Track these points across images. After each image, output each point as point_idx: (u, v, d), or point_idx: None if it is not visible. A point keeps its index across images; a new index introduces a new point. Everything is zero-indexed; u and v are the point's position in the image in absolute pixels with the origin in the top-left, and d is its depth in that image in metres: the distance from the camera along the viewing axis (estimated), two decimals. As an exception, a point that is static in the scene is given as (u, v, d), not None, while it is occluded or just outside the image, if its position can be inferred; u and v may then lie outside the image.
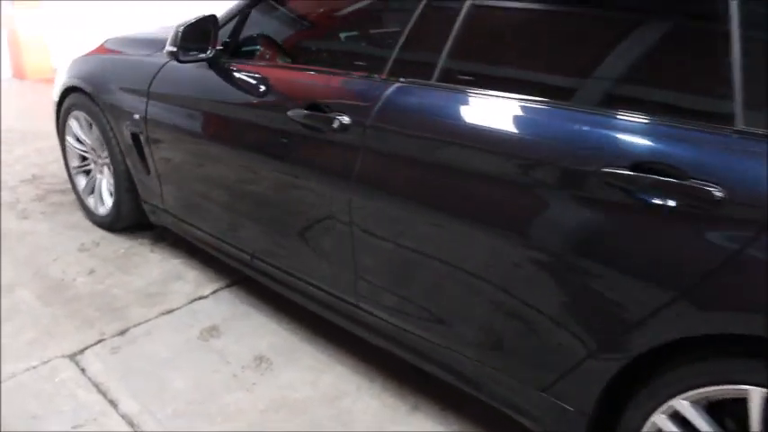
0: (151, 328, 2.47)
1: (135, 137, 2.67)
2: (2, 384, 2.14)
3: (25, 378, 2.18)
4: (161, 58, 2.53)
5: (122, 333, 2.43)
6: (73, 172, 3.28)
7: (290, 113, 1.98)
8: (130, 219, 3.07)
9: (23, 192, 3.75)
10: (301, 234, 2.15)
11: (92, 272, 2.87)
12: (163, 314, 2.56)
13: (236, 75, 2.29)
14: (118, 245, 3.11)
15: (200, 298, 2.68)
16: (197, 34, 2.26)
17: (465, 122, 1.65)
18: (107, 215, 3.14)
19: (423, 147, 1.69)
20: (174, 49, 2.26)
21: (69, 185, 3.80)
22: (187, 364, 2.28)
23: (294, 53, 2.40)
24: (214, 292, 2.73)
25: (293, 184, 2.10)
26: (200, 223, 2.62)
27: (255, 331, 2.47)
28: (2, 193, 3.71)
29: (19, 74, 6.31)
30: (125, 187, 2.93)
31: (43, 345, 2.35)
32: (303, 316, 2.47)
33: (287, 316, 2.54)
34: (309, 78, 2.12)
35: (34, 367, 2.23)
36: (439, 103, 1.71)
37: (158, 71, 2.54)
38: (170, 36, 2.28)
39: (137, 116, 2.60)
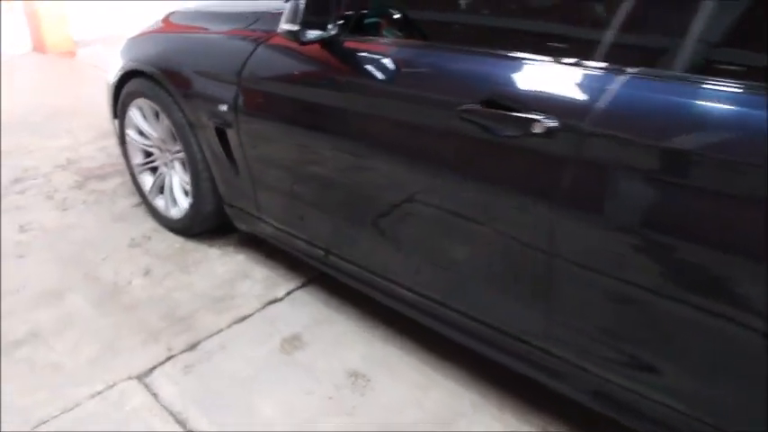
0: (225, 341, 2.16)
1: (220, 131, 2.29)
2: (67, 413, 1.85)
3: (91, 406, 1.88)
4: (250, 35, 2.15)
5: (193, 347, 2.13)
6: (136, 170, 2.90)
7: (460, 109, 1.52)
8: (210, 222, 2.69)
9: (60, 179, 3.43)
10: (471, 260, 1.72)
11: (148, 272, 2.56)
12: (236, 322, 2.25)
13: (367, 56, 1.78)
14: (172, 239, 2.80)
15: (275, 301, 2.37)
16: (318, 6, 1.81)
17: (748, 133, 1.17)
18: (182, 218, 2.72)
19: (675, 163, 1.26)
20: (296, 28, 1.79)
21: (108, 170, 3.50)
22: (273, 383, 1.97)
23: (437, 29, 1.87)
24: (289, 293, 2.41)
25: (467, 202, 1.62)
26: (314, 238, 2.21)
27: (343, 340, 2.15)
28: (37, 181, 3.40)
29: (39, 47, 5.95)
30: (205, 187, 2.53)
31: (107, 364, 2.05)
32: (394, 320, 2.15)
33: (376, 320, 2.22)
34: (484, 64, 1.58)
35: (100, 392, 1.94)
36: (699, 102, 1.25)
37: (252, 53, 2.11)
38: (287, 9, 1.82)
39: (223, 107, 2.20)
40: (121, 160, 3.57)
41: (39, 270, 2.58)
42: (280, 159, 2.15)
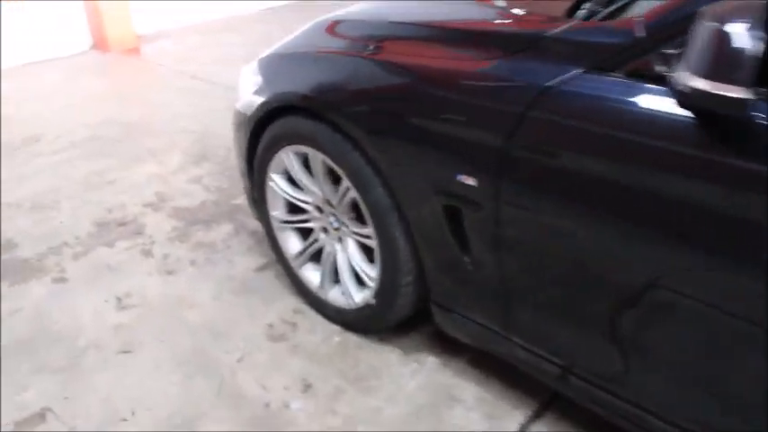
0: None
1: (452, 212, 1.54)
2: None
3: None
4: (526, 71, 1.35)
5: None
6: (276, 224, 2.15)
7: None
8: (393, 321, 1.92)
9: (154, 225, 2.71)
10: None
11: (308, 387, 1.82)
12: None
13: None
14: (325, 327, 2.06)
15: (511, 448, 1.62)
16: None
17: None
18: (353, 311, 1.97)
19: None
20: (745, 95, 0.99)
21: (212, 211, 2.77)
22: None
23: None
24: (523, 428, 1.66)
25: None
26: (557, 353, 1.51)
27: None
28: (127, 228, 2.69)
29: (101, 45, 5.26)
30: (403, 282, 1.78)
31: None
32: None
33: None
34: None
35: None
36: None
37: (534, 102, 1.30)
38: (694, 51, 1.04)
39: (468, 180, 1.44)
40: (225, 199, 2.88)
41: (155, 382, 1.86)
42: (573, 267, 1.38)
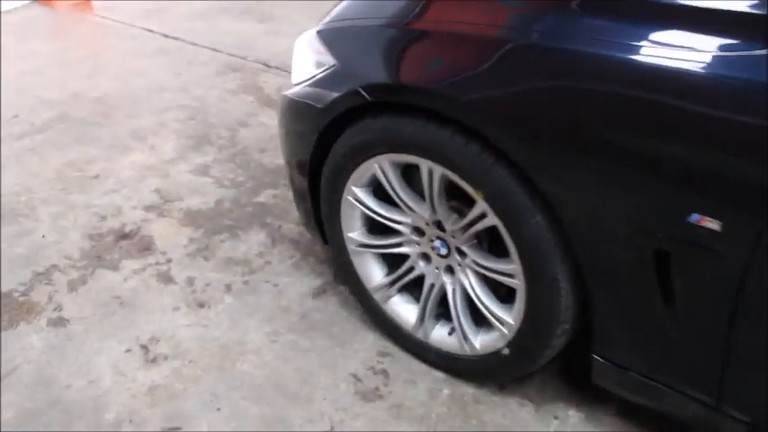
0: None
1: (661, 257, 1.11)
2: None
3: None
4: None
5: None
6: (352, 247, 1.65)
7: None
8: (532, 370, 1.52)
9: (165, 236, 2.17)
10: None
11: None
12: None
13: None
14: (423, 375, 1.62)
15: None
16: None
17: None
18: (474, 356, 1.54)
19: None
20: None
21: (236, 213, 2.25)
22: None
23: None
24: None
25: None
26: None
27: None
28: (132, 242, 2.14)
29: (43, -3, 4.47)
30: (560, 330, 1.35)
31: None
32: None
33: None
34: None
35: None
36: None
37: None
38: None
39: (709, 224, 1.00)
40: (246, 196, 2.36)
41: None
42: None
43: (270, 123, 2.85)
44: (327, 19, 1.58)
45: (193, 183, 2.48)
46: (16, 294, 1.94)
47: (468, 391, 1.59)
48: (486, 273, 1.43)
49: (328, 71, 1.49)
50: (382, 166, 1.45)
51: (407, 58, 1.35)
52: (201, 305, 1.88)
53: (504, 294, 1.46)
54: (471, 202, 1.36)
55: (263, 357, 1.70)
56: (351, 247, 1.65)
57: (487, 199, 1.29)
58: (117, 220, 2.27)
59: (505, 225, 1.29)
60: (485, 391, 1.59)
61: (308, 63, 1.59)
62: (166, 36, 3.83)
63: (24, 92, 3.19)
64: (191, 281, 1.98)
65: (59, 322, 1.84)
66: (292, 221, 2.21)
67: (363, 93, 1.37)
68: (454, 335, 1.58)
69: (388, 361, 1.68)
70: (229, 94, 3.12)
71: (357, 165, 1.49)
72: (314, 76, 1.54)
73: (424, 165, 1.37)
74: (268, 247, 2.11)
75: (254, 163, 2.58)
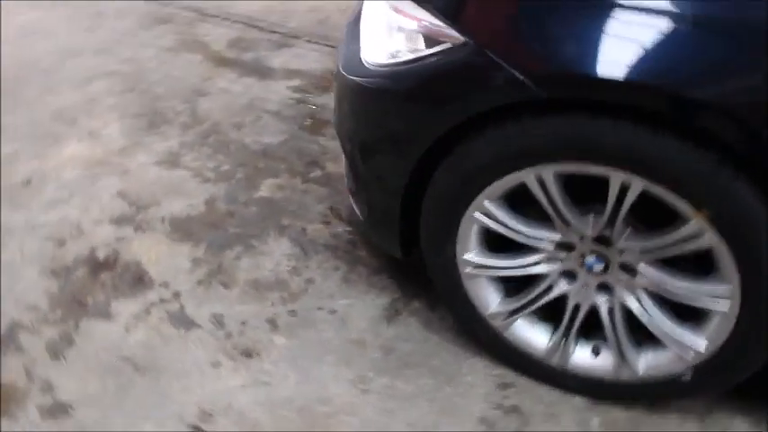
0: None
1: None
2: None
3: None
4: None
5: None
6: (467, 270, 1.28)
7: None
8: (706, 393, 1.27)
9: (157, 261, 1.65)
10: None
11: None
12: None
13: None
14: (559, 406, 1.33)
15: None
16: None
17: None
18: (631, 380, 1.26)
19: None
20: None
21: (229, 215, 1.76)
22: None
23: None
24: None
25: None
26: None
27: None
28: (111, 275, 1.62)
29: None
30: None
31: None
32: None
33: None
34: None
35: None
36: None
37: None
38: None
39: None
40: (242, 190, 1.87)
41: None
42: None
43: (234, 89, 2.32)
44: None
45: (165, 179, 1.94)
46: (-22, 374, 1.41)
47: (619, 415, 1.33)
48: (673, 294, 1.14)
49: (453, 52, 1.06)
50: (542, 178, 1.08)
51: (625, 42, 0.95)
52: (248, 354, 1.45)
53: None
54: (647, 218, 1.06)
55: (361, 415, 1.33)
56: (466, 269, 1.29)
57: (713, 218, 0.98)
58: (81, 244, 1.73)
59: (731, 247, 1.00)
60: (636, 411, 1.34)
61: (400, 35, 1.15)
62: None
63: None
64: (218, 320, 1.53)
65: (58, 410, 1.34)
66: (317, 220, 1.79)
67: (535, 86, 0.98)
68: (600, 358, 1.30)
69: (514, 394, 1.37)
70: (169, 54, 2.51)
71: (500, 176, 1.11)
72: (421, 58, 1.12)
73: (617, 177, 1.03)
74: (300, 259, 1.68)
75: (235, 144, 2.07)
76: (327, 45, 2.54)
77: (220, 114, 2.20)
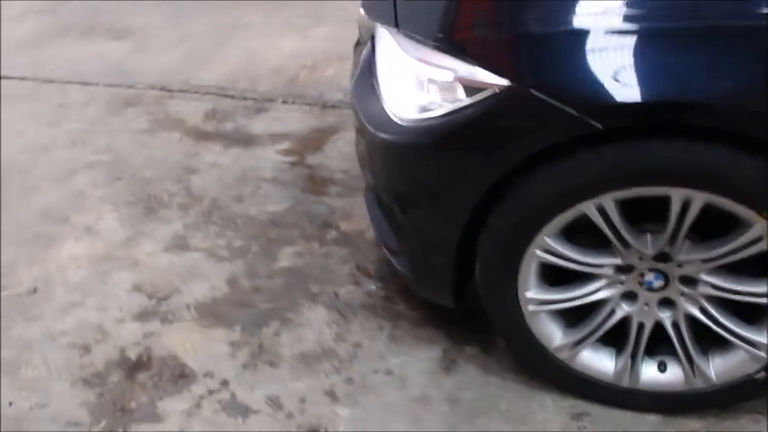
0: None
1: None
2: None
3: None
4: None
5: None
6: (531, 307, 1.30)
7: None
8: None
9: (189, 350, 1.60)
10: None
11: None
12: None
13: None
14: (643, 424, 1.36)
15: None
16: None
17: None
18: (704, 388, 1.30)
19: None
20: None
21: (254, 293, 1.72)
22: None
23: None
24: None
25: None
26: None
27: None
28: (150, 375, 1.56)
29: None
30: None
31: None
32: None
33: None
34: None
35: None
36: None
37: None
38: None
39: None
40: (261, 266, 1.82)
41: None
42: None
43: (223, 162, 2.29)
44: (452, 24, 1.17)
45: (178, 264, 1.89)
46: None
47: (694, 425, 1.37)
48: (734, 296, 1.20)
49: (497, 98, 1.09)
50: (603, 207, 1.12)
51: (677, 64, 1.01)
52: (315, 431, 1.42)
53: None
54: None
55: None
56: (529, 307, 1.31)
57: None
58: (109, 346, 1.65)
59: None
60: (709, 419, 1.37)
61: (432, 87, 1.18)
62: (8, 77, 2.93)
63: None
64: (275, 402, 1.48)
65: None
66: (346, 281, 1.77)
67: (593, 120, 1.02)
68: (669, 372, 1.34)
69: (589, 422, 1.39)
70: (146, 136, 2.46)
71: (561, 212, 1.15)
72: (462, 108, 1.14)
73: (677, 194, 1.08)
74: (341, 324, 1.66)
75: (240, 218, 2.04)
76: (306, 104, 2.56)
77: (216, 189, 2.17)
